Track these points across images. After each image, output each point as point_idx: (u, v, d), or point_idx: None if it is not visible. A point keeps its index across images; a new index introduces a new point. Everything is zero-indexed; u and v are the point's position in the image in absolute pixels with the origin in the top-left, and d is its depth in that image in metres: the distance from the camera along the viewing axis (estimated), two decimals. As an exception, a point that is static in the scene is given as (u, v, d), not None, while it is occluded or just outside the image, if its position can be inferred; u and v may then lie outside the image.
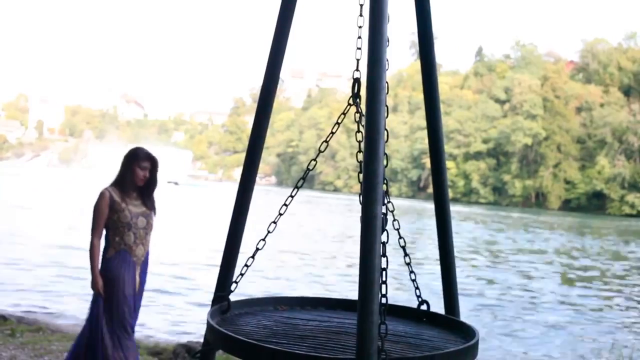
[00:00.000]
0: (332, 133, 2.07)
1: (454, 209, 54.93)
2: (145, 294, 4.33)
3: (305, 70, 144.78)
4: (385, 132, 1.75)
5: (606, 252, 24.29)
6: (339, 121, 2.09)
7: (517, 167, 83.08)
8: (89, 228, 4.16)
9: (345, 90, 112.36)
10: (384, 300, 1.65)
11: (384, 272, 1.66)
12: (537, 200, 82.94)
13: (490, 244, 24.20)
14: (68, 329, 6.63)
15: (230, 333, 1.81)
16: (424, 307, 2.24)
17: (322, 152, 2.04)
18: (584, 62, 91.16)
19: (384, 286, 1.66)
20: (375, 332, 1.58)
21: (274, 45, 2.14)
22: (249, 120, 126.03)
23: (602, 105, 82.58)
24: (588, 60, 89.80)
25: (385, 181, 2.11)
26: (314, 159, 2.07)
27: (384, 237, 1.67)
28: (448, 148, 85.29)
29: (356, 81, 2.00)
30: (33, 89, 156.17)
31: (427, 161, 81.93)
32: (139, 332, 7.35)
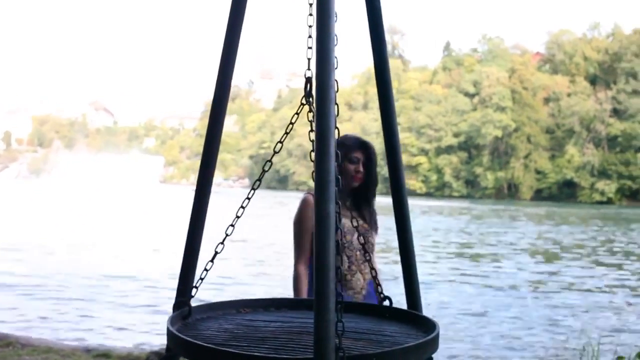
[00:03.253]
0: (287, 133, 2.07)
1: (428, 203, 55.46)
2: (128, 299, 4.21)
3: (274, 71, 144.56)
4: (337, 130, 1.75)
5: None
6: (293, 121, 2.09)
7: (489, 159, 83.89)
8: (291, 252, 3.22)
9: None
10: (339, 298, 1.65)
11: (339, 270, 1.66)
12: (509, 191, 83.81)
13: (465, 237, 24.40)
14: (39, 342, 6.55)
15: (189, 338, 1.80)
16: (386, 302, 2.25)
17: (277, 152, 2.04)
18: (550, 53, 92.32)
19: (339, 284, 1.66)
20: (332, 331, 1.58)
21: (225, 50, 2.13)
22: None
23: (569, 95, 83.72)
24: (554, 52, 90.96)
25: (338, 180, 2.12)
26: (269, 160, 2.06)
27: (338, 235, 1.67)
28: (420, 143, 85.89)
29: (308, 80, 2.00)
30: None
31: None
32: (114, 340, 7.30)
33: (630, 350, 4.63)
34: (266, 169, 2.05)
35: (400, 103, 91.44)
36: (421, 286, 2.19)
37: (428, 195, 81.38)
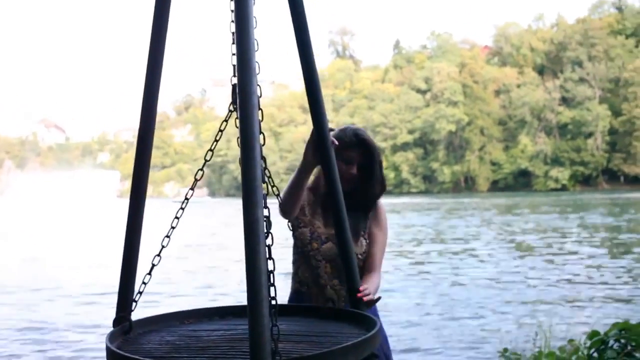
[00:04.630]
0: (216, 141, 2.06)
1: (387, 201, 55.68)
2: (83, 308, 4.08)
3: (226, 79, 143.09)
4: (262, 135, 1.76)
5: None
6: (222, 129, 2.08)
7: (444, 154, 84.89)
8: None
9: (268, 95, 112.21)
10: (273, 302, 1.66)
11: (271, 275, 1.66)
12: (466, 184, 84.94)
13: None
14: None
15: (127, 354, 1.78)
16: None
17: (208, 161, 2.02)
18: (497, 46, 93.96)
19: (272, 288, 1.66)
20: (267, 335, 1.58)
21: (150, 64, 2.11)
22: (175, 134, 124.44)
23: (518, 86, 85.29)
24: (501, 44, 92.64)
25: (271, 182, 2.12)
26: (201, 169, 2.05)
27: (269, 240, 1.68)
28: (375, 142, 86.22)
29: (234, 87, 1.99)
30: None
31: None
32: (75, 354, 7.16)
33: (581, 334, 4.73)
34: (198, 177, 2.04)
35: (353, 103, 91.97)
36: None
37: (387, 193, 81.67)
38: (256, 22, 1.79)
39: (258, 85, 1.76)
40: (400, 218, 32.53)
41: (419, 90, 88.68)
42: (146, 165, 2.13)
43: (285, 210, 2.60)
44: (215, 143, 2.07)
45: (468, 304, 9.67)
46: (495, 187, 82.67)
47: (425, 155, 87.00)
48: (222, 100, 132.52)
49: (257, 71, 1.75)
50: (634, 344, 3.92)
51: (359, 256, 2.70)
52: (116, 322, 2.09)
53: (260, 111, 1.74)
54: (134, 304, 2.13)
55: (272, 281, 1.67)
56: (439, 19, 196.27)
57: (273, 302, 1.65)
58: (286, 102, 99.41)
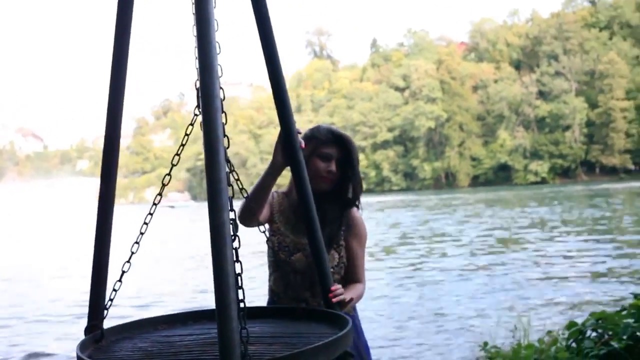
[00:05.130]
0: (182, 145, 2.05)
1: (368, 199, 55.94)
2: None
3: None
4: (226, 138, 1.75)
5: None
6: (188, 133, 2.07)
7: (424, 150, 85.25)
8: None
9: (247, 97, 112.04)
10: (242, 305, 1.65)
11: (239, 278, 1.66)
12: (447, 180, 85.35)
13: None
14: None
15: (97, 362, 1.77)
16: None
17: (175, 165, 2.01)
18: (473, 42, 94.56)
19: (240, 291, 1.66)
20: (236, 339, 1.58)
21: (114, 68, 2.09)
22: (154, 139, 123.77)
23: (495, 81, 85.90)
24: (477, 40, 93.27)
25: (240, 185, 2.12)
26: (168, 174, 2.04)
27: (235, 243, 1.67)
28: (355, 141, 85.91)
29: (198, 91, 1.98)
30: None
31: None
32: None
33: (559, 325, 4.77)
34: (165, 182, 2.03)
35: (332, 103, 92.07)
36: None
37: (368, 191, 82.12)
38: (217, 25, 1.79)
39: (221, 88, 1.76)
40: (385, 216, 32.63)
41: (397, 88, 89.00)
42: (113, 172, 2.11)
43: (243, 217, 2.48)
44: (181, 147, 2.05)
45: (455, 299, 9.71)
46: (476, 182, 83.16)
47: (405, 152, 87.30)
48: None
49: (219, 74, 1.74)
50: (610, 332, 3.96)
51: (331, 269, 2.55)
52: (87, 331, 2.08)
53: (224, 114, 1.74)
54: (105, 311, 2.12)
55: (240, 284, 1.66)
56: (415, 17, 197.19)
57: (242, 304, 1.65)
58: (265, 104, 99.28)
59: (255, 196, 2.47)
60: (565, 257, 13.96)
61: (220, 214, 1.63)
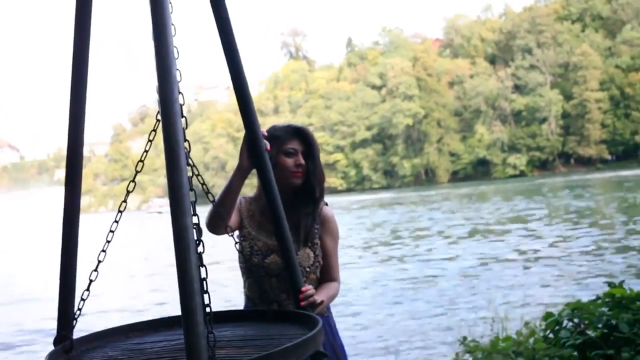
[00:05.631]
0: (146, 152, 2.03)
1: (350, 198, 55.93)
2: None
3: (180, 86, 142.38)
4: (187, 142, 1.75)
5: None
6: (151, 139, 2.06)
7: (403, 148, 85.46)
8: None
9: (224, 100, 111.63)
10: (208, 309, 1.65)
11: (204, 282, 1.65)
12: (427, 177, 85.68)
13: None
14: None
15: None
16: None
17: (139, 172, 2.00)
18: (448, 38, 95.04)
19: (206, 296, 1.66)
20: (203, 344, 1.58)
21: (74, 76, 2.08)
22: (132, 146, 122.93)
23: (471, 76, 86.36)
24: (452, 36, 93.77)
25: (205, 189, 2.11)
26: (133, 180, 2.03)
27: (200, 248, 1.67)
28: (334, 140, 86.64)
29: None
30: None
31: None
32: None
33: (537, 316, 4.81)
34: (130, 189, 2.01)
35: (310, 103, 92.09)
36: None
37: (349, 190, 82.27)
38: (175, 29, 1.78)
39: (180, 93, 1.76)
40: (370, 214, 32.68)
41: (374, 87, 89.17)
42: (78, 181, 2.10)
43: (212, 224, 2.48)
44: (145, 154, 2.04)
45: (437, 295, 9.76)
46: (456, 177, 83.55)
47: (384, 150, 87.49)
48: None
49: (178, 79, 1.74)
50: (586, 321, 4.01)
51: (307, 269, 2.62)
52: (57, 342, 2.06)
53: (184, 118, 1.74)
54: (74, 321, 2.10)
55: (205, 288, 1.66)
56: (389, 15, 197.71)
57: (208, 309, 1.65)
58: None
59: (223, 201, 2.45)
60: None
61: (183, 219, 1.62)
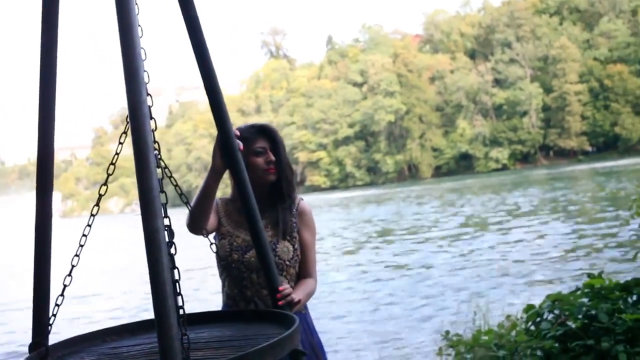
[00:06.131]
0: (117, 154, 2.02)
1: (334, 196, 56.07)
2: None
3: (162, 87, 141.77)
4: (157, 144, 1.73)
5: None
6: (122, 141, 2.04)
7: (386, 144, 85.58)
8: None
9: (206, 101, 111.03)
10: (182, 311, 1.64)
11: (177, 284, 1.64)
12: (410, 172, 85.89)
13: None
14: None
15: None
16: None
17: (111, 174, 1.98)
18: (428, 34, 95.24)
19: (179, 298, 1.65)
20: (177, 346, 1.57)
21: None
22: (113, 148, 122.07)
23: (452, 71, 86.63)
24: (432, 32, 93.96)
25: (179, 190, 2.10)
26: (104, 184, 2.01)
27: (172, 250, 1.66)
28: (317, 139, 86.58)
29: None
30: None
31: (299, 155, 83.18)
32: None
33: (517, 309, 4.84)
34: (102, 193, 2.00)
35: (291, 102, 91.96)
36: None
37: (333, 188, 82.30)
38: (142, 31, 1.77)
39: (149, 94, 1.74)
40: (360, 211, 32.71)
41: (355, 84, 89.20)
42: (49, 185, 2.08)
43: (194, 226, 2.50)
44: (116, 157, 2.03)
45: (425, 288, 9.79)
46: (439, 172, 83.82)
47: (367, 147, 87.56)
48: (159, 109, 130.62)
49: (146, 80, 1.73)
50: (567, 313, 4.04)
51: (286, 262, 2.65)
52: (32, 348, 2.04)
53: (152, 120, 1.72)
54: (49, 327, 2.08)
55: (178, 290, 1.65)
56: (368, 12, 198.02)
57: (181, 311, 1.64)
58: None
59: (200, 202, 2.47)
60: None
61: (154, 221, 1.61)
